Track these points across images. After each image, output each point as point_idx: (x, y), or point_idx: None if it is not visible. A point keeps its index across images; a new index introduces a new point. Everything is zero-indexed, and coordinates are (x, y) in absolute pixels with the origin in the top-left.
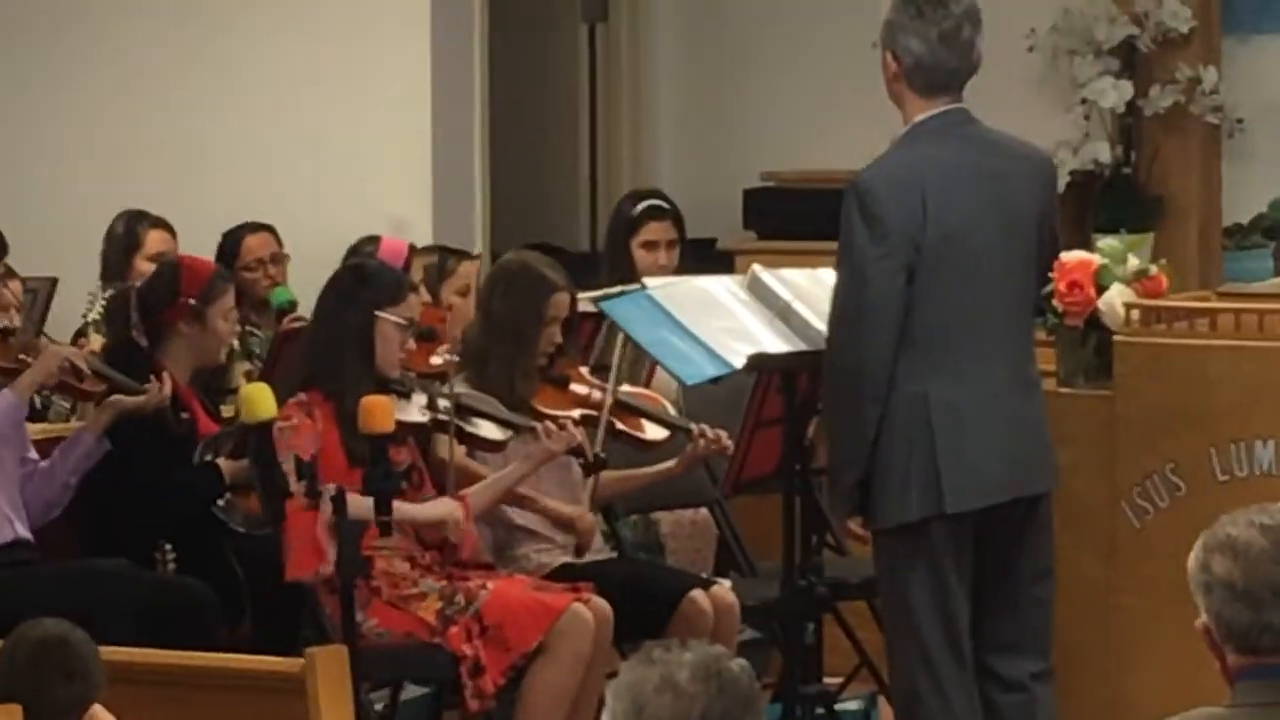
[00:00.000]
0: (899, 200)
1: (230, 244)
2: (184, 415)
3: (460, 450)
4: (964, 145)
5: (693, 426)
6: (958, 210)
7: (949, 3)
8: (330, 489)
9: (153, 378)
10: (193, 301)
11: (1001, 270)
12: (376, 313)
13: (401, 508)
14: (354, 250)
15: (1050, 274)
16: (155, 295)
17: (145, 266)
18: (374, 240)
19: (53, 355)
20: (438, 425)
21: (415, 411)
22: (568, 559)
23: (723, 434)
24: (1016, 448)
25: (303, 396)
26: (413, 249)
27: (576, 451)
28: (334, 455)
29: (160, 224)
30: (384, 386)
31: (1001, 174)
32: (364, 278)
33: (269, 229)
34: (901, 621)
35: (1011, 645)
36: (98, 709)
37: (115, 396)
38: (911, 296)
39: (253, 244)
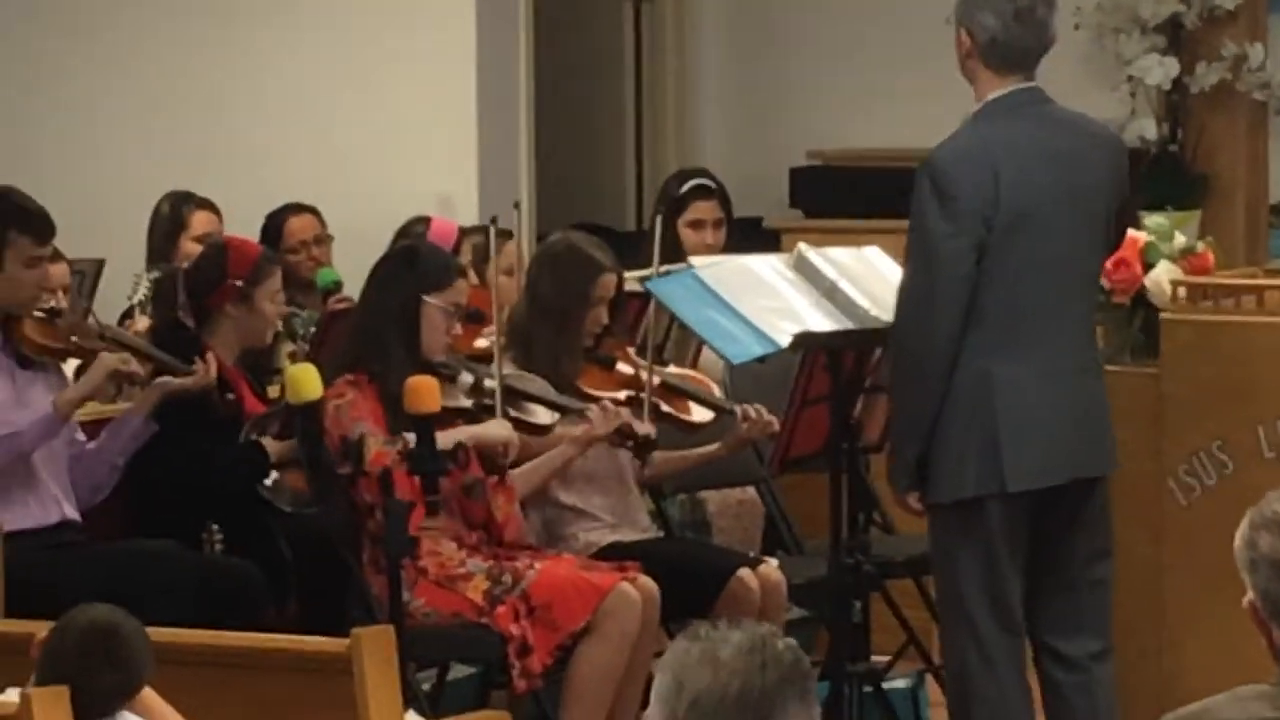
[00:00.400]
0: (971, 178)
1: (274, 226)
2: (230, 396)
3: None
4: (1036, 124)
5: (738, 408)
6: (1029, 189)
7: None
8: (403, 439)
9: (198, 359)
10: (240, 283)
11: (1069, 251)
12: (423, 297)
13: (454, 432)
14: (404, 231)
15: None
16: (202, 277)
17: (191, 247)
18: (424, 221)
19: (100, 368)
20: (483, 409)
21: (460, 395)
22: (615, 538)
23: (767, 413)
24: (1077, 429)
25: (350, 377)
26: (462, 230)
27: (624, 432)
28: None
29: (206, 205)
30: (429, 369)
31: (1073, 154)
32: (412, 261)
33: (312, 210)
34: (952, 598)
35: (1070, 625)
36: (147, 692)
37: (162, 378)
38: (980, 274)
39: (296, 226)
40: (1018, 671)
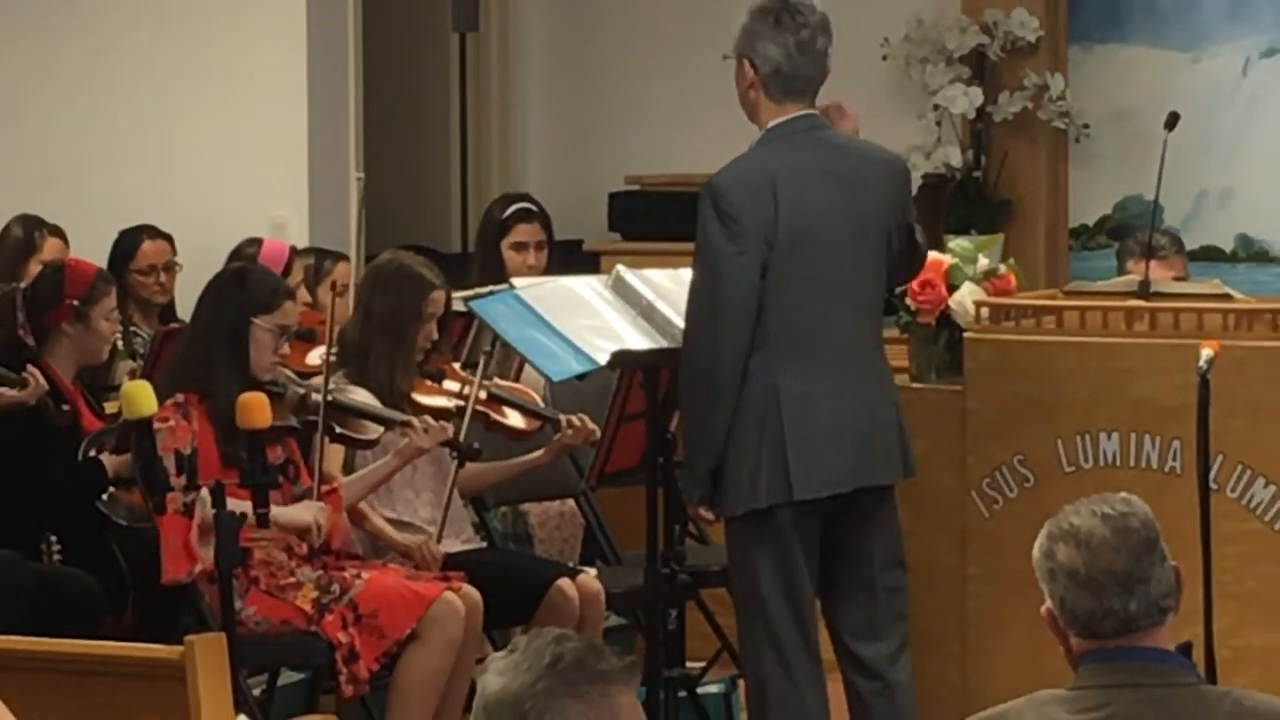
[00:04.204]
0: (752, 200)
1: (127, 244)
2: (65, 407)
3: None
4: (815, 149)
5: (560, 416)
6: (808, 210)
7: (804, 13)
8: (208, 487)
9: (26, 372)
10: (76, 303)
11: (850, 268)
12: (252, 319)
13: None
14: (237, 252)
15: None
16: (41, 296)
17: (39, 271)
18: (256, 242)
19: None
20: (309, 426)
21: (288, 413)
22: (442, 549)
23: (589, 421)
24: (863, 440)
25: (179, 398)
26: (294, 251)
27: (450, 444)
28: (209, 454)
29: (57, 232)
30: (258, 387)
31: (851, 176)
32: (241, 284)
33: (166, 237)
34: (751, 605)
35: (867, 631)
36: None
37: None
38: (764, 292)
39: (149, 249)
40: (812, 672)
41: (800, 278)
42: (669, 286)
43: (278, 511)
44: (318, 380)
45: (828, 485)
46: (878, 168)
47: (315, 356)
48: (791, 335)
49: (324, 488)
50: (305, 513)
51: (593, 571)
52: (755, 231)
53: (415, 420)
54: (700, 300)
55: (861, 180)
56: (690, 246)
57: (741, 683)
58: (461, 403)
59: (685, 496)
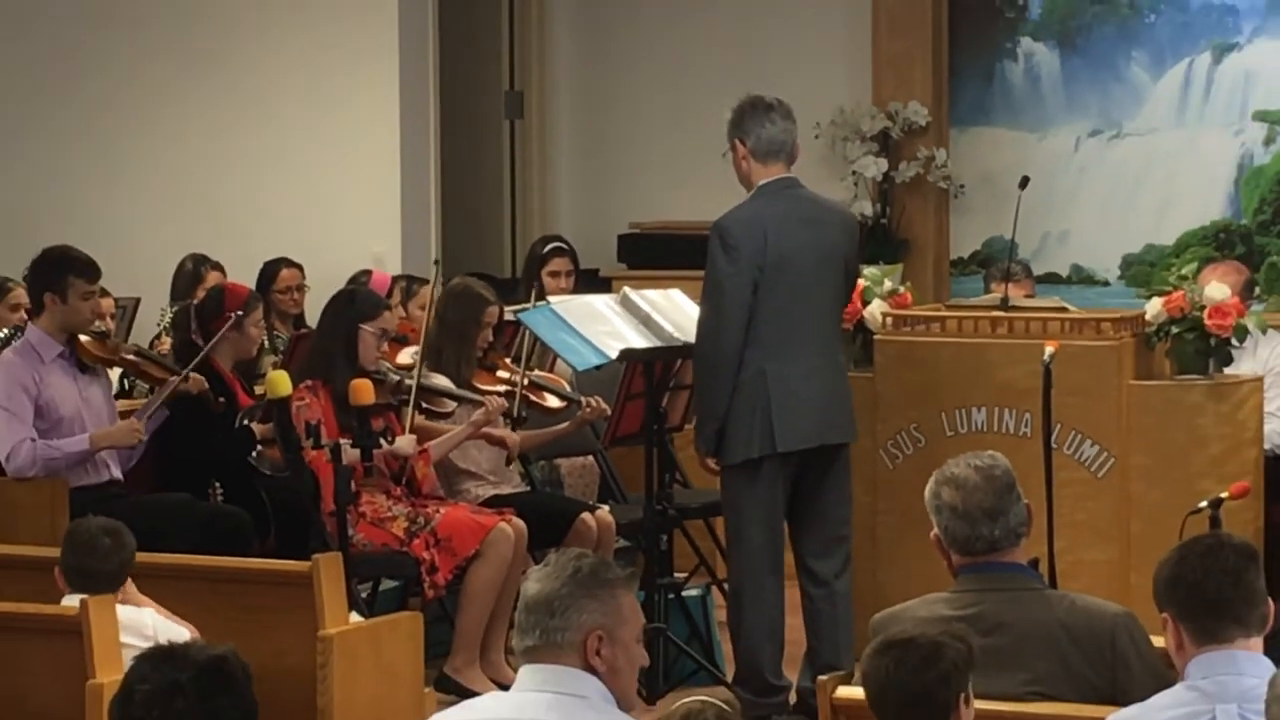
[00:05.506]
0: (748, 235)
1: (271, 270)
2: (221, 399)
3: (421, 416)
4: (793, 201)
5: (582, 399)
6: (788, 244)
7: (771, 102)
8: (329, 447)
9: (190, 372)
10: (234, 315)
11: (817, 287)
12: (360, 325)
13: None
14: (354, 279)
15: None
16: (207, 310)
17: (205, 291)
18: (367, 273)
19: (128, 430)
20: (403, 403)
21: (388, 394)
22: (497, 492)
23: (603, 403)
24: (826, 408)
25: (309, 383)
26: (394, 278)
27: (506, 415)
28: (330, 424)
29: (217, 266)
30: (365, 375)
31: (818, 221)
32: (352, 300)
33: (298, 266)
34: (737, 534)
35: (822, 551)
36: (129, 584)
37: (171, 379)
38: (756, 304)
39: (286, 275)
40: (777, 583)
41: (781, 293)
42: (662, 303)
43: (390, 446)
44: (407, 372)
45: (801, 441)
46: (836, 215)
47: (407, 355)
48: (775, 334)
49: (418, 449)
50: (407, 445)
51: (606, 508)
52: (749, 258)
53: (486, 398)
54: (708, 309)
55: (825, 223)
56: (676, 275)
57: (714, 588)
58: (511, 388)
59: (696, 449)
